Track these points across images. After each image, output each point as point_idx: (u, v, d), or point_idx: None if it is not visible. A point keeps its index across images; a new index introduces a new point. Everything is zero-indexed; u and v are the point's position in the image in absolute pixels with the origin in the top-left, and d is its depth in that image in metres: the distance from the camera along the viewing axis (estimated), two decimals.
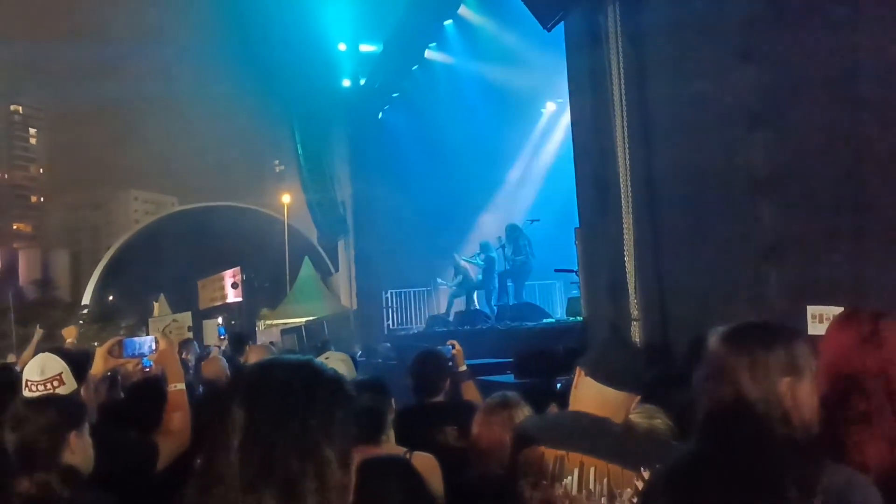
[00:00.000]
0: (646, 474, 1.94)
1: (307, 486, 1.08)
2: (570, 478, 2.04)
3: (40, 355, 2.56)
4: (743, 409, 1.57)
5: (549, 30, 7.50)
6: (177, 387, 2.75)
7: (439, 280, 15.44)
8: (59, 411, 2.15)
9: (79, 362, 2.53)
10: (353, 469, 1.17)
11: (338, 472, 1.12)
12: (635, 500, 1.95)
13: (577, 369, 2.19)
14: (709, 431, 1.63)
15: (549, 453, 2.10)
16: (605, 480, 2.00)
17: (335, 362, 4.05)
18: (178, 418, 2.67)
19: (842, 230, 4.93)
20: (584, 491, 2.02)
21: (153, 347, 2.77)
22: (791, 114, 5.28)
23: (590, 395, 2.12)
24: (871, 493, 1.48)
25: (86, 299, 51.06)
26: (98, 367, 2.65)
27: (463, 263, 13.99)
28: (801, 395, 1.60)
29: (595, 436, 2.07)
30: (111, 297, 49.55)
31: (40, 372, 2.46)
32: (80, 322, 37.90)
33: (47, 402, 2.22)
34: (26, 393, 2.40)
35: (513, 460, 2.23)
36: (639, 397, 2.20)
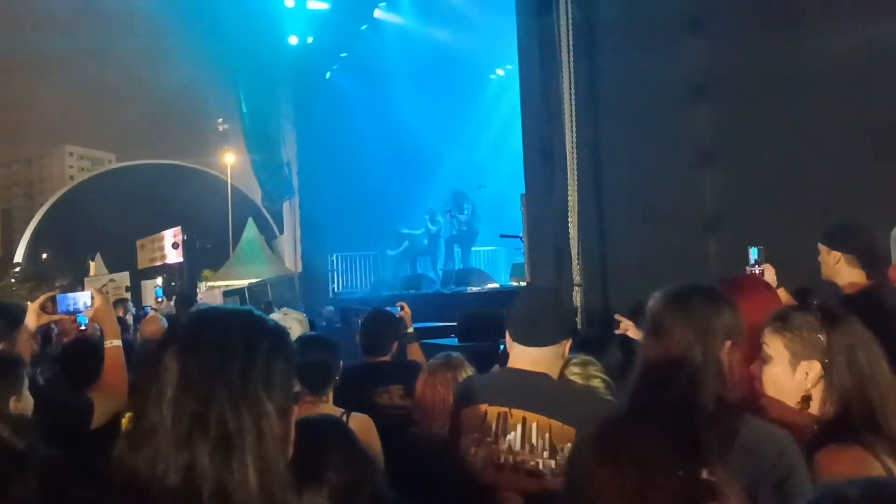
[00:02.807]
0: (582, 429, 1.97)
1: (245, 440, 1.03)
2: (513, 434, 2.08)
3: None
4: (683, 366, 1.61)
5: None
6: (113, 343, 2.67)
7: (390, 252, 15.38)
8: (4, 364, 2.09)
9: (11, 315, 2.44)
10: (292, 423, 1.14)
11: (277, 426, 1.07)
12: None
13: (507, 332, 2.24)
14: (644, 386, 1.66)
15: (492, 410, 2.13)
16: (547, 435, 2.04)
17: (291, 321, 4.02)
18: (115, 375, 2.60)
19: (780, 204, 5.09)
20: (527, 446, 2.06)
21: (88, 304, 2.68)
22: (736, 88, 5.38)
23: (522, 355, 2.18)
24: (789, 445, 1.54)
25: (18, 257, 49.24)
26: (31, 321, 2.55)
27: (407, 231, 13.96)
28: (735, 360, 1.66)
29: (535, 392, 2.11)
30: (45, 256, 47.92)
31: None
32: (13, 280, 36.63)
33: None
34: None
35: (455, 418, 2.26)
36: (569, 342, 2.24)
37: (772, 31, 5.13)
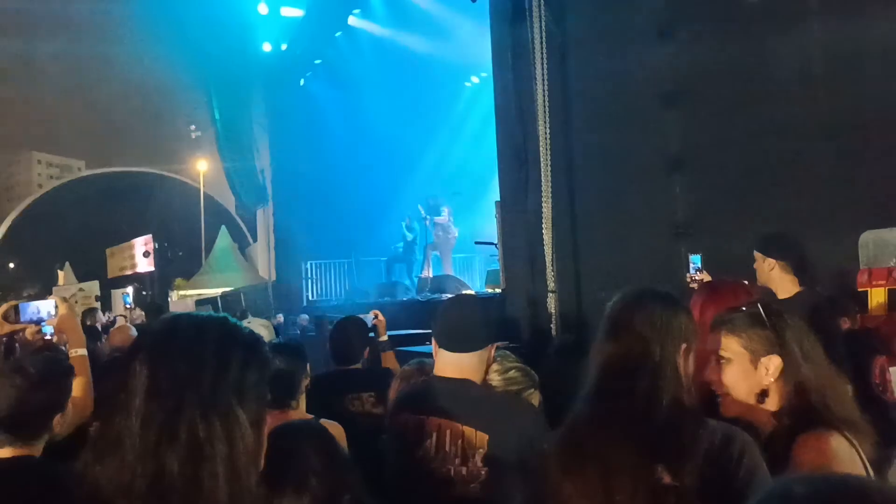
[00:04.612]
0: (494, 436, 2.02)
1: (216, 450, 1.00)
2: (428, 441, 2.09)
3: None
4: (642, 369, 1.62)
5: (473, 0, 7.47)
6: (77, 352, 2.61)
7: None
8: None
9: None
10: (265, 433, 1.10)
11: (249, 436, 1.04)
12: (484, 461, 2.02)
13: (433, 340, 2.24)
14: (603, 390, 1.66)
15: (412, 419, 2.15)
16: (459, 442, 2.05)
17: (257, 327, 3.96)
18: (80, 385, 2.53)
19: (748, 210, 5.16)
20: (440, 453, 2.07)
21: (52, 313, 2.62)
22: (704, 96, 5.46)
23: (448, 362, 2.18)
24: (749, 444, 1.56)
25: None
26: None
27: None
28: (689, 362, 1.69)
29: (452, 400, 2.12)
30: (12, 265, 47.04)
31: None
32: None
33: None
34: None
35: (389, 428, 2.28)
36: (493, 347, 2.24)
37: (738, 40, 5.22)
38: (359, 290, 14.42)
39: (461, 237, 13.29)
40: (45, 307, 2.62)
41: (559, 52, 6.20)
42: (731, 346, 1.83)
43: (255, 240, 24.47)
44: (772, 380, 1.78)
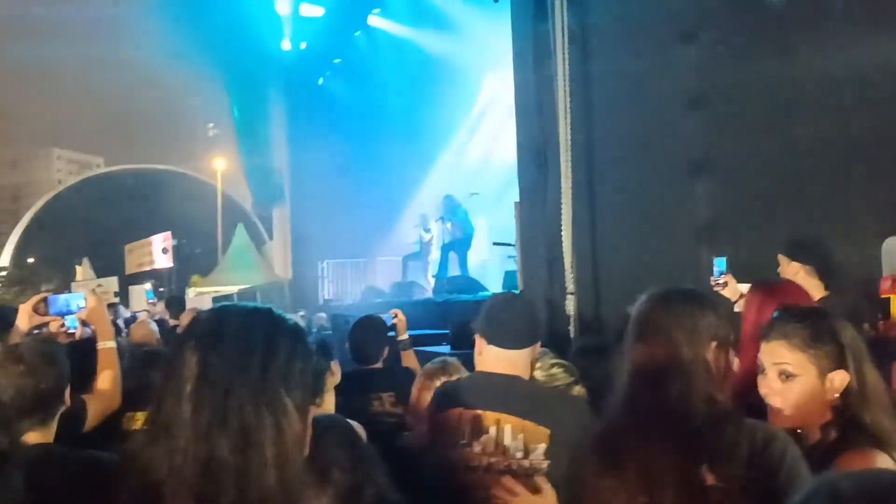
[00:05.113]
0: (556, 429, 2.04)
1: (265, 436, 1.02)
2: (486, 436, 2.11)
3: None
4: (675, 369, 1.60)
5: (496, 0, 7.47)
6: (106, 345, 2.64)
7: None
8: None
9: (1, 317, 2.41)
10: (310, 421, 1.13)
11: (296, 423, 1.07)
12: (546, 454, 2.04)
13: (477, 337, 2.26)
14: (637, 391, 1.65)
15: (466, 413, 2.15)
16: (521, 437, 2.07)
17: None
18: (108, 378, 2.57)
19: (770, 214, 5.12)
20: (500, 448, 2.08)
21: (81, 305, 2.65)
22: (728, 99, 5.42)
23: (497, 358, 2.20)
24: (790, 444, 1.54)
25: (3, 261, 48.78)
26: (23, 323, 2.52)
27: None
28: (722, 360, 1.66)
29: (509, 394, 2.15)
30: (31, 260, 47.50)
31: None
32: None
33: None
34: None
35: (431, 423, 2.29)
36: (538, 346, 2.29)
37: (764, 44, 5.17)
38: (374, 290, 14.43)
39: (478, 238, 13.26)
40: (74, 300, 2.66)
41: (582, 52, 6.18)
42: (798, 361, 1.78)
43: (271, 238, 24.57)
44: (836, 395, 1.74)
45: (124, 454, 1.09)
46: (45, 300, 2.64)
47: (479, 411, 2.13)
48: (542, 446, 2.05)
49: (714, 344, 1.65)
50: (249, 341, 1.07)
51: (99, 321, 2.69)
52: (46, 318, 2.63)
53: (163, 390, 1.07)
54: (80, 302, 2.66)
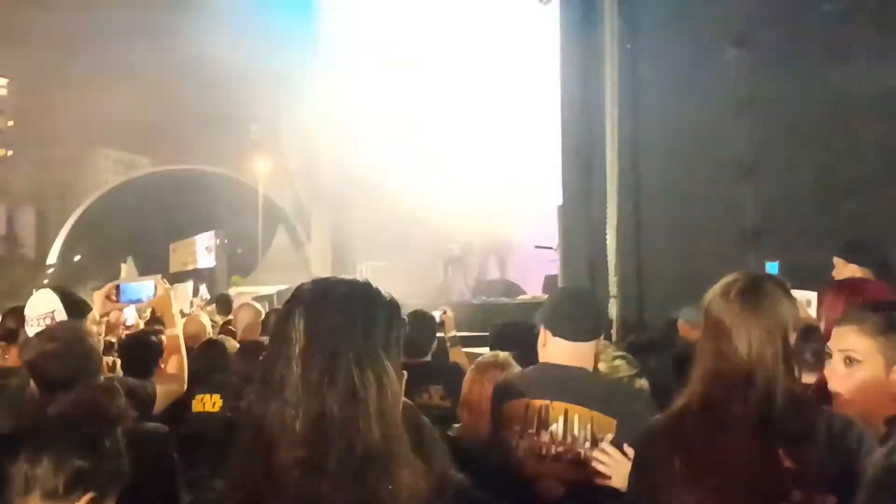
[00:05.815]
0: (622, 420, 2.09)
1: (369, 393, 1.11)
2: (555, 425, 2.15)
3: (38, 292, 2.58)
4: (754, 363, 1.62)
5: (544, 3, 7.50)
6: (172, 332, 2.76)
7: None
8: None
9: (79, 302, 2.53)
10: (403, 384, 1.21)
11: (395, 383, 1.15)
12: (613, 444, 2.07)
13: (542, 329, 2.30)
14: (712, 381, 1.67)
15: (534, 403, 2.20)
16: (589, 426, 2.12)
17: None
18: (175, 362, 2.69)
19: (816, 220, 5.07)
20: (569, 437, 2.13)
21: (151, 294, 2.77)
22: (778, 105, 5.39)
23: (564, 350, 2.25)
24: (867, 435, 1.57)
25: (51, 258, 50.09)
26: (99, 308, 2.66)
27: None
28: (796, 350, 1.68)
29: (575, 385, 2.19)
30: (78, 258, 48.67)
31: (35, 308, 2.49)
32: (45, 282, 37.28)
33: None
34: (28, 328, 2.42)
35: (496, 413, 2.32)
36: (602, 339, 2.34)
37: (814, 48, 5.13)
38: (413, 292, 14.47)
39: (518, 241, 13.24)
40: (144, 288, 2.77)
41: (630, 56, 6.19)
42: (865, 348, 1.75)
43: (310, 240, 24.85)
44: None
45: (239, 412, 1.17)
46: (117, 287, 2.77)
47: (548, 401, 2.18)
48: (609, 436, 2.09)
49: (790, 335, 1.67)
50: (353, 308, 1.16)
51: (166, 309, 2.81)
52: (119, 305, 2.76)
53: (272, 352, 1.16)
54: (150, 290, 2.77)
